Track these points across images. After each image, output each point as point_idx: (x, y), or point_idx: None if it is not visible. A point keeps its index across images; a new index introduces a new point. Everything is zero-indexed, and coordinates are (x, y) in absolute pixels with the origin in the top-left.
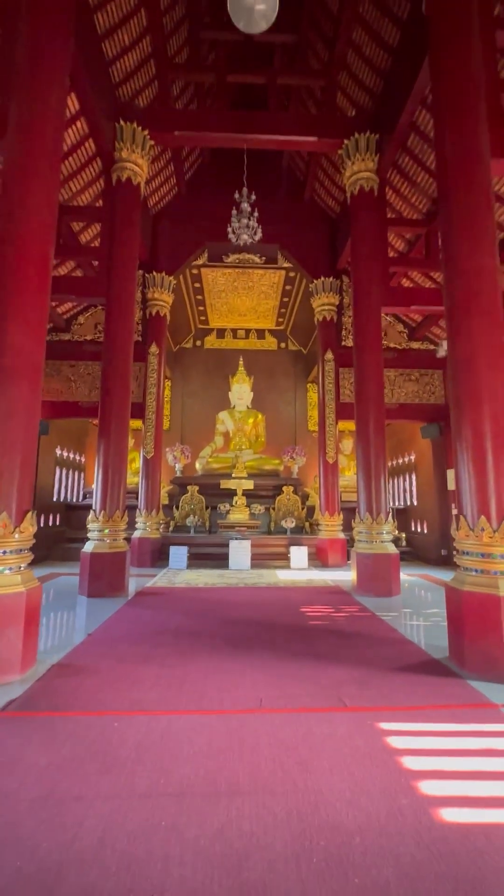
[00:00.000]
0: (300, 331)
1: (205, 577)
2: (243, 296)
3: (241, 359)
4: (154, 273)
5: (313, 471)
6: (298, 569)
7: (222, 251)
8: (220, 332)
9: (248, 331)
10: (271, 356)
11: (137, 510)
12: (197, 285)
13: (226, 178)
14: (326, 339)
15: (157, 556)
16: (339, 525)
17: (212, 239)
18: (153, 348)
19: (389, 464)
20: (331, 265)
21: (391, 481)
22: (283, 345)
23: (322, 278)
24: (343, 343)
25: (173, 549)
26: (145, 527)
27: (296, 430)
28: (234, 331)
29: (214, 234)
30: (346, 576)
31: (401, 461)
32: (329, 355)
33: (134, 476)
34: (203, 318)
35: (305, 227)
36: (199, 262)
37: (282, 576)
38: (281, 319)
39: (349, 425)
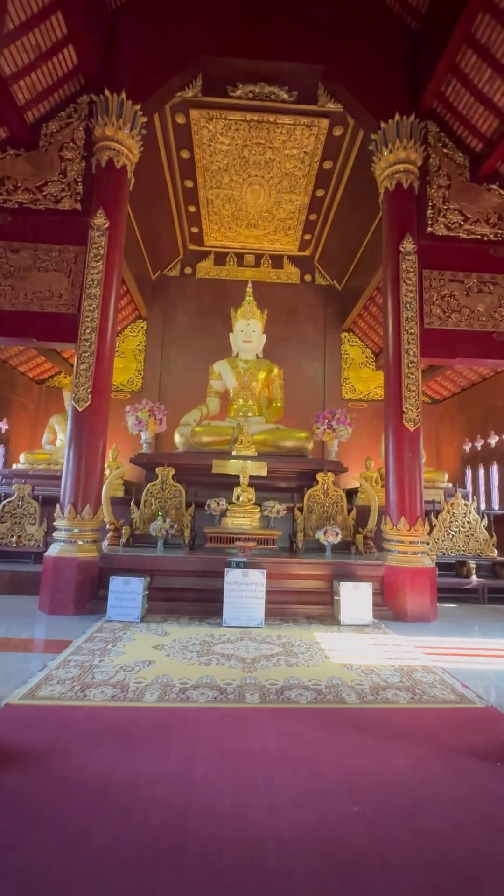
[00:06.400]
0: (334, 257)
1: (168, 658)
2: (255, 184)
3: (250, 286)
4: (109, 94)
5: (359, 452)
6: (357, 626)
7: (228, 74)
8: (220, 257)
9: (258, 255)
10: (291, 292)
11: (58, 506)
12: (185, 155)
13: None
14: (402, 220)
15: (91, 592)
16: (422, 542)
17: (212, 53)
18: (100, 218)
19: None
20: (410, 100)
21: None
22: (307, 277)
23: (397, 117)
24: (430, 230)
25: (116, 584)
26: (70, 537)
27: (324, 397)
28: (240, 255)
29: (216, 45)
30: (464, 655)
31: None
32: (408, 245)
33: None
34: (195, 229)
35: (366, 43)
36: (189, 93)
37: (334, 654)
38: (308, 237)
39: None
